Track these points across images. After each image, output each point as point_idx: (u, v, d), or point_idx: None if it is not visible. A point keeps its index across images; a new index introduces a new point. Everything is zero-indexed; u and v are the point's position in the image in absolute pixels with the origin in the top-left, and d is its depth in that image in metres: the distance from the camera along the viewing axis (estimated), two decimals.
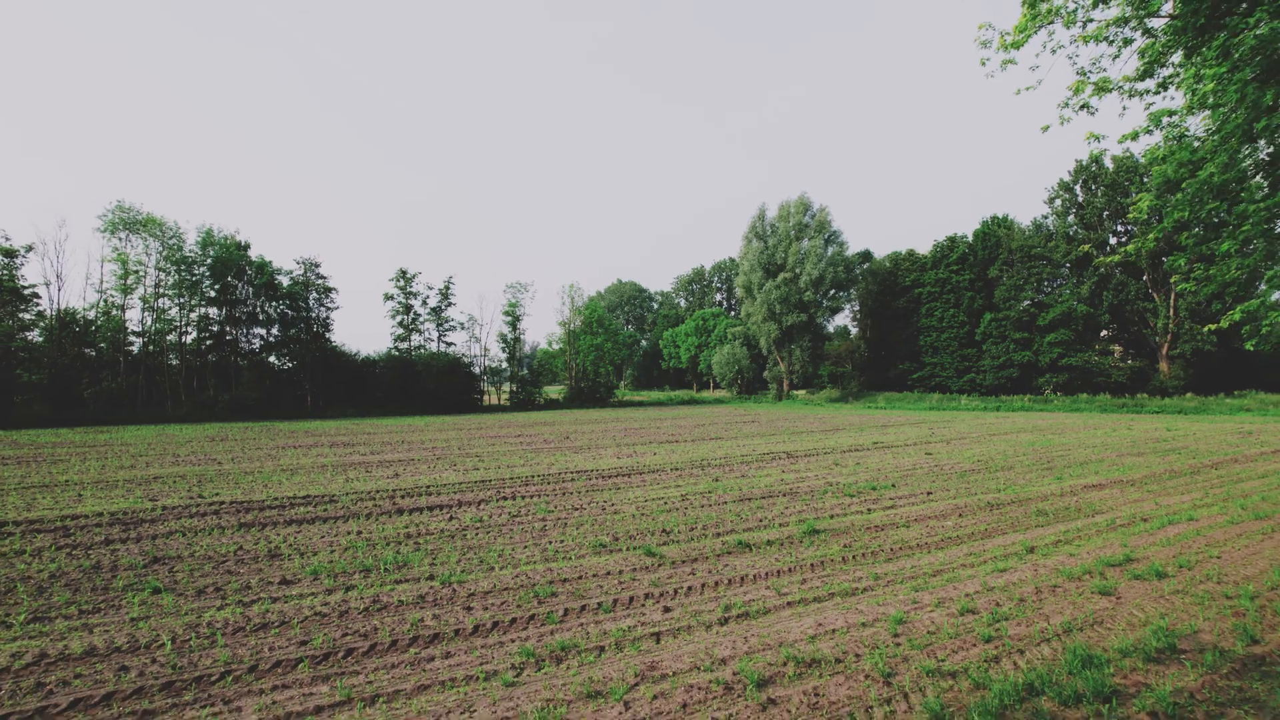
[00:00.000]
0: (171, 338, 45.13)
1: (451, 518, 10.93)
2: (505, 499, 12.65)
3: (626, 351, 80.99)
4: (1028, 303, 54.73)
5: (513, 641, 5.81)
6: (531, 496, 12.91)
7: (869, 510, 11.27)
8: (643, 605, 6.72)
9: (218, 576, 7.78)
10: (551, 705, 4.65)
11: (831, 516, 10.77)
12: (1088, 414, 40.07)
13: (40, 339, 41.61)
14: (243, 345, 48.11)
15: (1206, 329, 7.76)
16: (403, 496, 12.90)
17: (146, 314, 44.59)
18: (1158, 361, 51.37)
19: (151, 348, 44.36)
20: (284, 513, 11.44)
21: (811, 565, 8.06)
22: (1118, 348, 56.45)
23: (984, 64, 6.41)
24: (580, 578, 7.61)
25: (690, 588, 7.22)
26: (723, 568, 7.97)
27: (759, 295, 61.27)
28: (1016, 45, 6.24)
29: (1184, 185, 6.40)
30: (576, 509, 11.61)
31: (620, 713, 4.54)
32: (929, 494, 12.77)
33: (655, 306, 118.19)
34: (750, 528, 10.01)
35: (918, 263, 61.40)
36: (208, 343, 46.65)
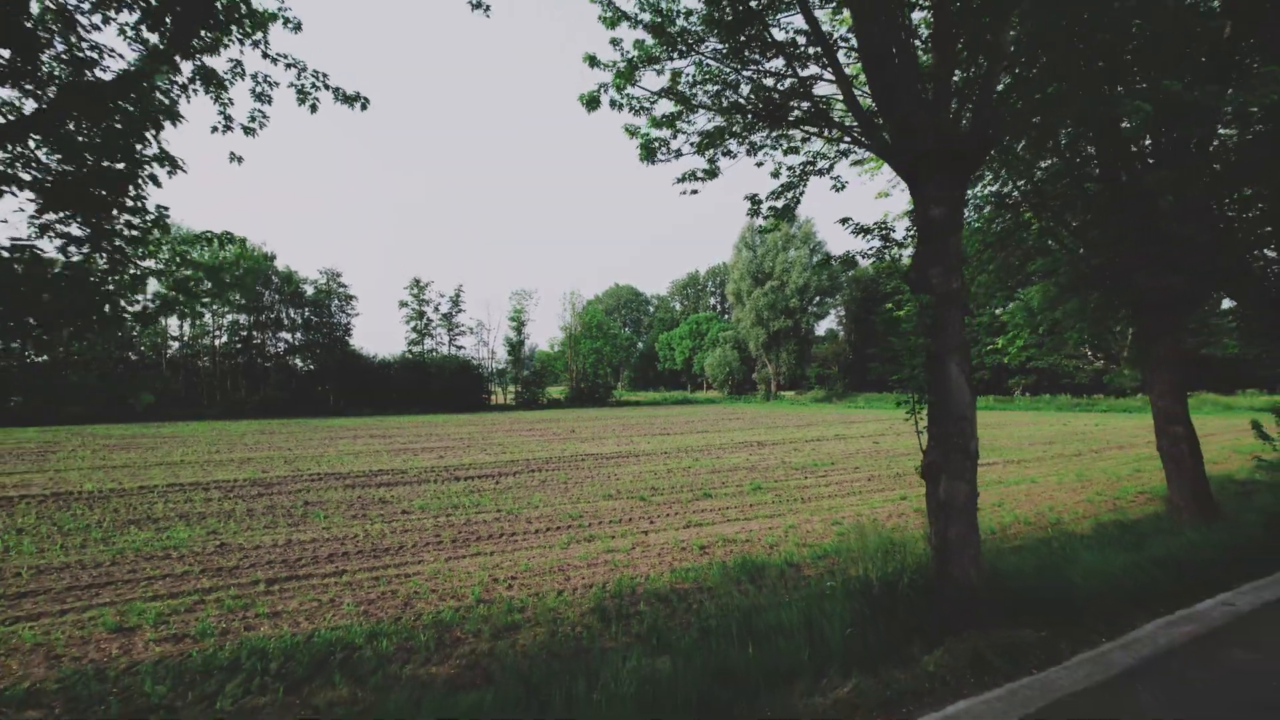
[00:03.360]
0: (204, 341, 49.07)
1: (496, 483, 14.93)
2: (533, 471, 16.66)
3: (624, 354, 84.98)
4: (1000, 310, 58.90)
5: (559, 534, 9.83)
6: (553, 470, 16.93)
7: (805, 478, 15.29)
8: (637, 522, 10.74)
9: (357, 511, 11.78)
10: (588, 555, 8.66)
11: (775, 481, 14.80)
12: (1044, 412, 44.23)
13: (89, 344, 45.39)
14: (269, 349, 52.03)
15: (989, 347, 11.85)
16: (454, 470, 16.89)
17: (184, 320, 48.47)
18: (1119, 364, 55.66)
19: (187, 351, 48.29)
20: (371, 479, 15.42)
21: (750, 505, 12.09)
22: (1087, 349, 60.75)
23: None
24: (595, 511, 11.63)
25: (667, 515, 11.25)
26: (689, 506, 12.00)
27: (748, 302, 65.39)
28: None
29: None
30: (588, 477, 15.63)
31: (626, 557, 8.55)
32: (857, 469, 16.80)
33: (651, 310, 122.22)
34: (714, 487, 14.04)
35: (899, 270, 65.55)
36: (237, 346, 50.56)
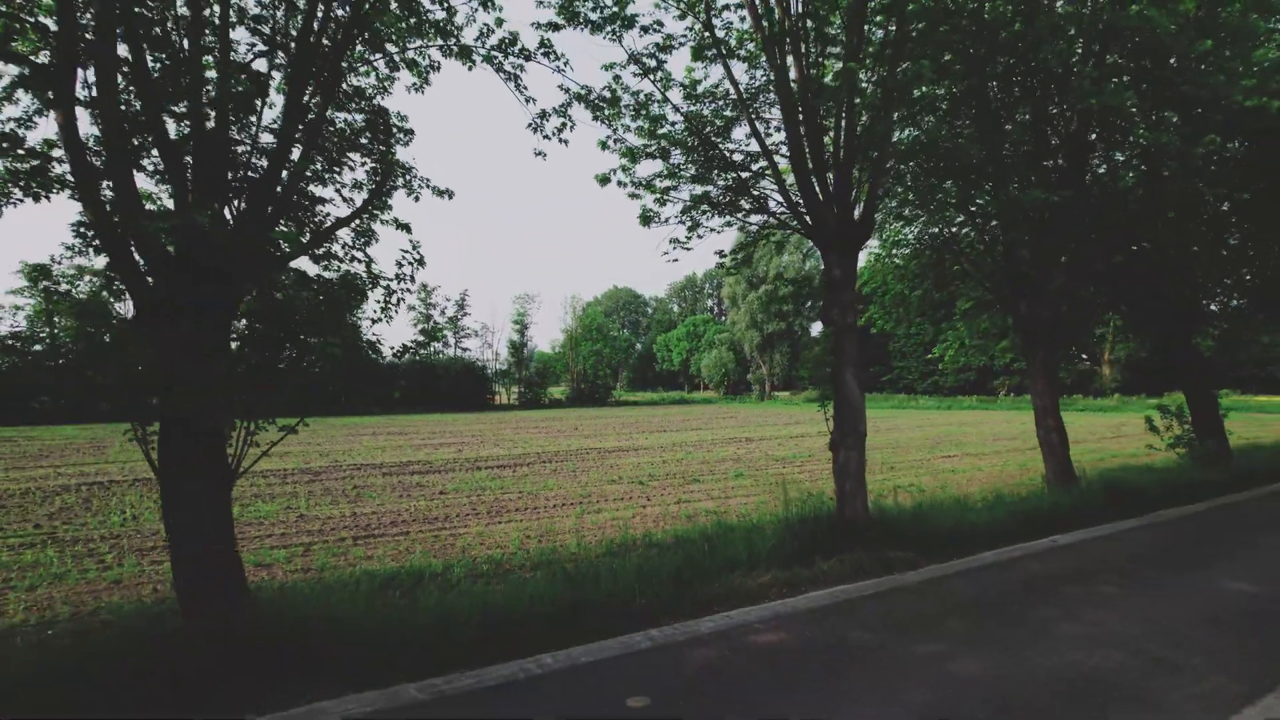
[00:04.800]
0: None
1: (514, 471, 17.26)
2: (545, 463, 19.00)
3: (623, 355, 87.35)
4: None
5: (572, 508, 12.16)
6: (561, 461, 19.27)
7: (784, 467, 17.63)
8: (636, 500, 13.07)
9: (401, 492, 14.09)
10: (598, 522, 10.99)
11: (757, 470, 17.14)
12: (1024, 410, 46.64)
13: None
14: None
15: (927, 356, 14.16)
16: (474, 462, 19.22)
17: None
18: (1101, 365, 58.15)
19: None
20: (404, 469, 17.74)
21: (731, 487, 14.42)
22: (1074, 348, 63.28)
23: None
24: (601, 492, 13.95)
25: (661, 494, 13.58)
26: (680, 489, 14.34)
27: (743, 305, 67.83)
28: None
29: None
30: (593, 466, 17.97)
31: (629, 520, 10.88)
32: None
33: (650, 311, 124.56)
34: (703, 474, 16.38)
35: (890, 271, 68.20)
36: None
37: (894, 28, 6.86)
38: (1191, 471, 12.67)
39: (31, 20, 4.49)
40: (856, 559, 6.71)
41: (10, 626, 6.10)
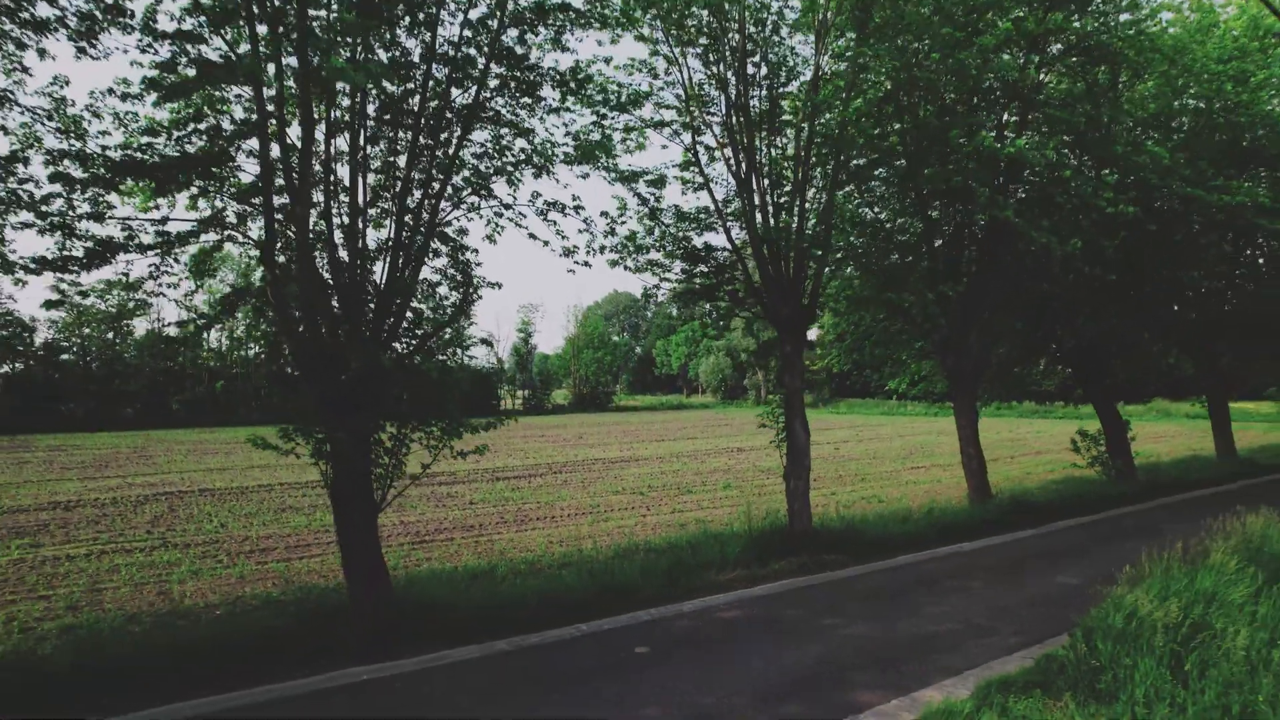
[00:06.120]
0: (240, 352, 53.84)
1: (530, 482, 19.73)
2: (556, 473, 21.47)
3: (623, 359, 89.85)
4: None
5: (585, 518, 14.62)
6: (571, 472, 21.74)
7: (767, 479, 20.09)
8: (638, 510, 15.54)
9: (436, 502, 16.54)
10: (606, 529, 13.45)
11: (743, 481, 19.60)
12: (1004, 418, 49.11)
13: (133, 355, 50.29)
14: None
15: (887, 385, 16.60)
16: (494, 473, 21.69)
17: (221, 332, 53.21)
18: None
19: (220, 364, 53.07)
20: (432, 478, 20.14)
21: (720, 498, 16.89)
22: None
23: None
24: (608, 503, 16.42)
25: (659, 504, 16.05)
26: (676, 499, 16.81)
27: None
28: None
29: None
30: (599, 477, 20.44)
31: (632, 528, 13.34)
32: (812, 471, 21.61)
33: (649, 315, 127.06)
34: (695, 485, 18.86)
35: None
36: (265, 355, 55.28)
37: (831, 166, 9.34)
38: (1104, 486, 15.15)
39: (252, 207, 6.96)
40: (801, 561, 9.16)
41: (193, 607, 8.56)
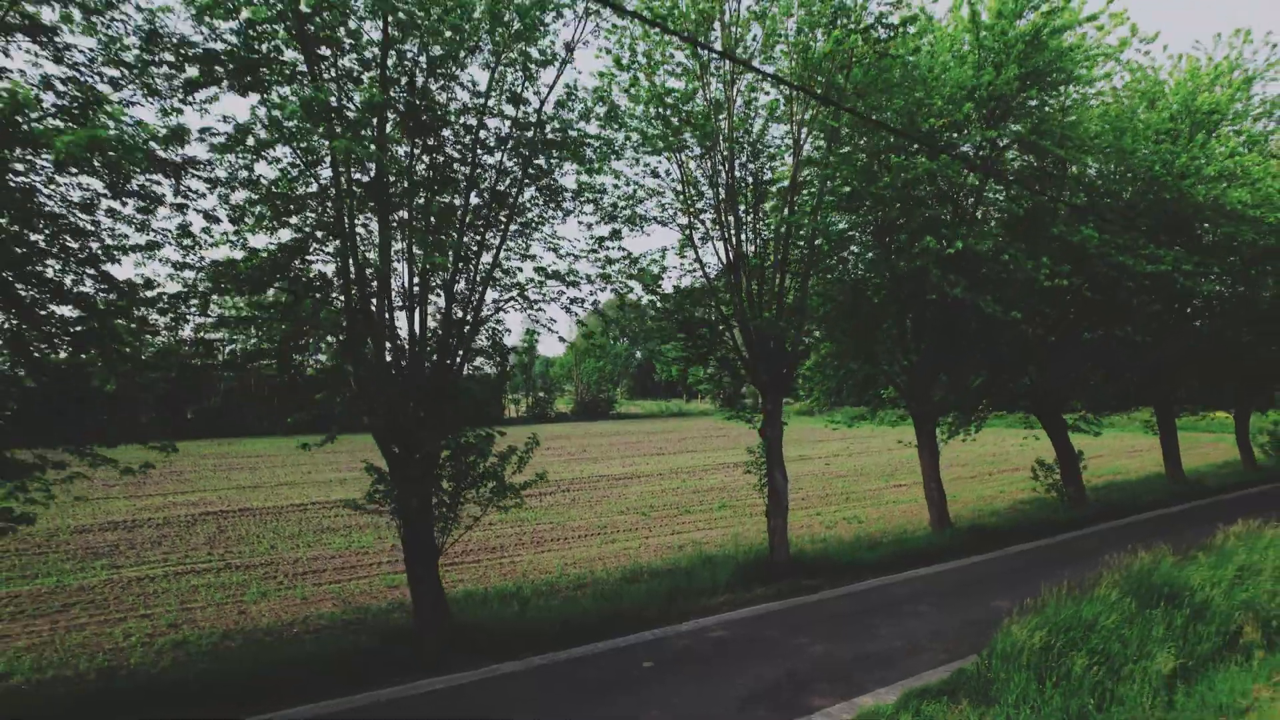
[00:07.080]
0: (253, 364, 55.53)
1: (540, 500, 21.48)
2: (564, 491, 23.22)
3: (623, 365, 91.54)
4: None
5: (594, 538, 16.36)
6: (579, 490, 23.50)
7: (759, 499, 21.82)
8: (641, 531, 17.28)
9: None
10: (614, 551, 15.19)
11: (738, 500, 21.35)
12: (995, 429, 50.83)
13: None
14: (307, 369, 58.43)
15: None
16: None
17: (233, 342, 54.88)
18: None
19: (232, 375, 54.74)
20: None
21: (715, 519, 18.64)
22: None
23: None
24: (614, 524, 18.16)
25: (660, 525, 17.80)
26: (674, 518, 18.56)
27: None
28: None
29: None
30: (604, 496, 22.20)
31: (635, 551, 15.09)
32: (799, 489, 23.36)
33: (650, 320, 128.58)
34: (693, 505, 20.62)
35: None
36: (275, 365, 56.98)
37: (809, 249, 11.16)
38: (1058, 510, 16.91)
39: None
40: (780, 587, 10.92)
41: (273, 625, 10.32)
